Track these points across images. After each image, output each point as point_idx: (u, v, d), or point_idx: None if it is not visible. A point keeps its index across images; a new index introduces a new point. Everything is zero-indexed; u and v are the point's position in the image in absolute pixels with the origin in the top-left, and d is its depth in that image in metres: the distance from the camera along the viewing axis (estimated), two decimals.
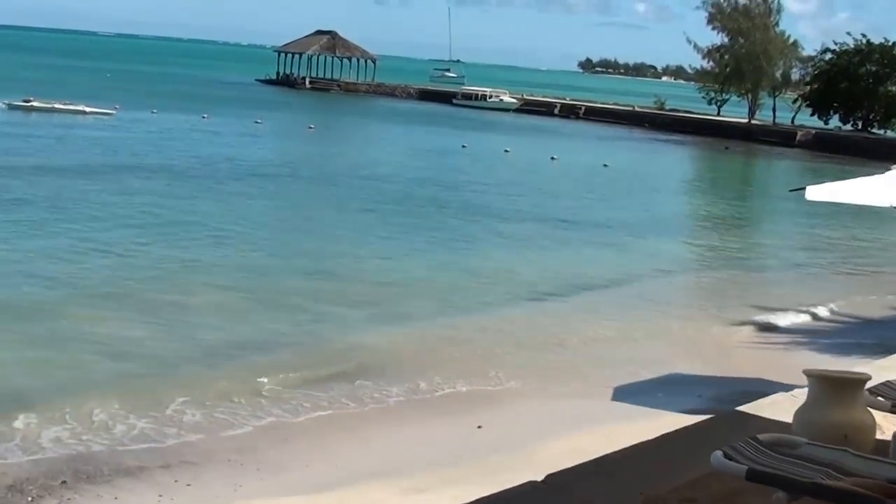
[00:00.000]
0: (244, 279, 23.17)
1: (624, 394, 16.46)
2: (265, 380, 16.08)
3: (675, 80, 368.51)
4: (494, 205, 38.59)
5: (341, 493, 11.68)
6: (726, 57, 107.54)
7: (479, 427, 14.78)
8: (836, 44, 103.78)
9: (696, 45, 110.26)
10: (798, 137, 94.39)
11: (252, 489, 11.96)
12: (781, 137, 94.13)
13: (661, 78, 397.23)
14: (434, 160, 56.25)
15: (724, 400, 16.43)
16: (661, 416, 15.20)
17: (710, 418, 6.49)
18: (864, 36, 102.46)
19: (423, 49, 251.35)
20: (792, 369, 18.56)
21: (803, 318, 23.90)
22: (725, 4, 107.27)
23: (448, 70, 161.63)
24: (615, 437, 14.12)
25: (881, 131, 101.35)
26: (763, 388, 17.18)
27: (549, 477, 4.80)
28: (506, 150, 60.67)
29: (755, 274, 30.72)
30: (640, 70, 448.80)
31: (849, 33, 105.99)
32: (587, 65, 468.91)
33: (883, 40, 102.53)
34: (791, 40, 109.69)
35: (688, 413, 15.38)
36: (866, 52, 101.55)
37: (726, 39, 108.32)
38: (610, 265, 29.15)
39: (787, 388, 16.96)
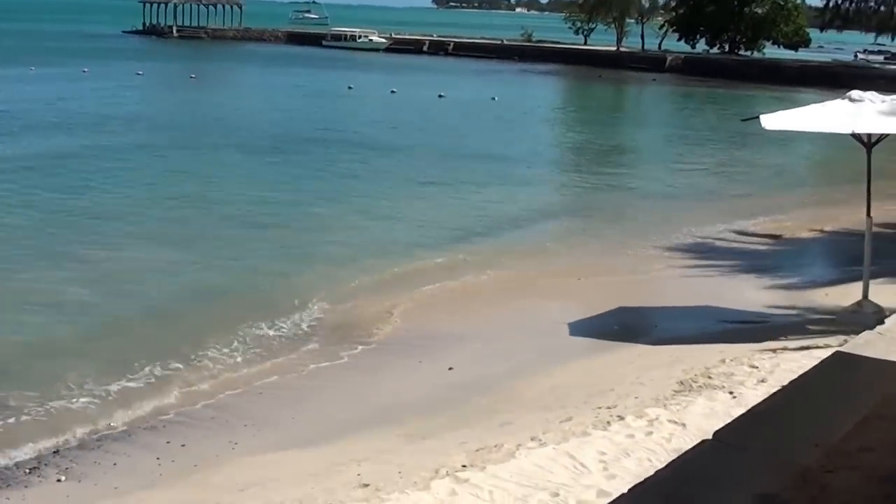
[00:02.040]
0: (168, 230, 22.78)
1: (580, 329, 16.43)
2: (220, 334, 15.80)
3: (528, 11, 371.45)
4: (396, 144, 38.41)
5: (346, 444, 11.45)
6: None
7: (451, 369, 14.65)
8: None
9: None
10: (668, 62, 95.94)
11: (250, 446, 11.68)
12: (651, 63, 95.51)
13: (514, 10, 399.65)
14: (326, 102, 55.78)
15: (681, 330, 16.46)
16: (629, 349, 15.26)
17: (819, 364, 6.42)
18: None
19: None
20: (725, 295, 18.78)
21: (711, 242, 24.14)
22: None
23: (308, 11, 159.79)
24: (593, 370, 14.17)
25: (748, 53, 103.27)
26: (714, 316, 17.36)
27: (717, 433, 4.64)
28: (392, 91, 60.22)
29: (656, 201, 30.52)
30: (493, 3, 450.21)
31: None
32: (441, 0, 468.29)
33: None
34: None
35: (652, 344, 15.48)
36: None
37: None
38: (518, 200, 29.19)
39: (740, 314, 17.18)
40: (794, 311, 17.35)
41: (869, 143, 15.40)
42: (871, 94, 15.03)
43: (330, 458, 10.86)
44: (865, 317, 15.59)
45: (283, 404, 13.25)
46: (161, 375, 14.02)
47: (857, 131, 14.69)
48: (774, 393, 6.69)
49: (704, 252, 22.98)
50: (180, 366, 14.41)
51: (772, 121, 14.84)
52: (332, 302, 17.80)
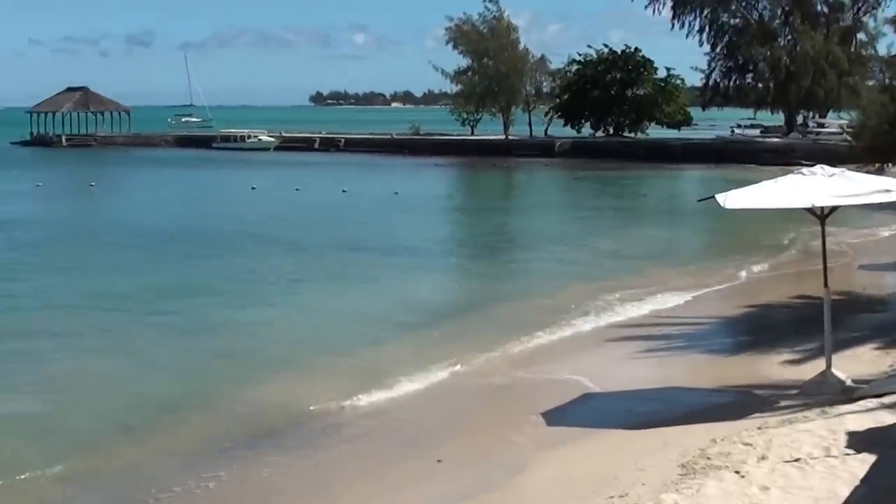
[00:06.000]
0: (103, 340, 22.50)
1: (554, 419, 16.29)
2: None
3: (404, 105, 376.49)
4: (318, 242, 38.66)
5: None
6: (476, 78, 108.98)
7: (439, 461, 14.53)
8: (580, 55, 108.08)
9: (443, 71, 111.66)
10: (557, 147, 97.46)
11: None
12: (540, 150, 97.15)
13: (390, 104, 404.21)
14: (234, 203, 55.59)
15: (655, 413, 16.40)
16: (611, 434, 15.28)
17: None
18: (605, 46, 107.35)
19: (164, 97, 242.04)
20: (679, 375, 18.85)
21: (642, 322, 24.01)
22: (465, 27, 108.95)
23: (190, 115, 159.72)
24: (584, 460, 14.14)
25: (632, 134, 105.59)
26: (680, 397, 17.41)
27: None
28: (296, 189, 60.51)
29: (571, 282, 30.04)
30: (370, 99, 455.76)
31: (590, 46, 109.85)
32: (318, 98, 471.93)
33: (625, 48, 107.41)
34: (539, 55, 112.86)
35: (632, 429, 15.45)
36: (611, 60, 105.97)
37: (470, 61, 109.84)
38: (449, 288, 29.77)
39: (704, 392, 17.33)
40: (756, 385, 17.54)
41: (822, 214, 15.91)
42: (819, 168, 15.58)
43: None
44: (831, 387, 15.96)
45: None
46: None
47: (816, 205, 15.17)
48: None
49: (639, 333, 22.69)
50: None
51: (731, 200, 15.19)
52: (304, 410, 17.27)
